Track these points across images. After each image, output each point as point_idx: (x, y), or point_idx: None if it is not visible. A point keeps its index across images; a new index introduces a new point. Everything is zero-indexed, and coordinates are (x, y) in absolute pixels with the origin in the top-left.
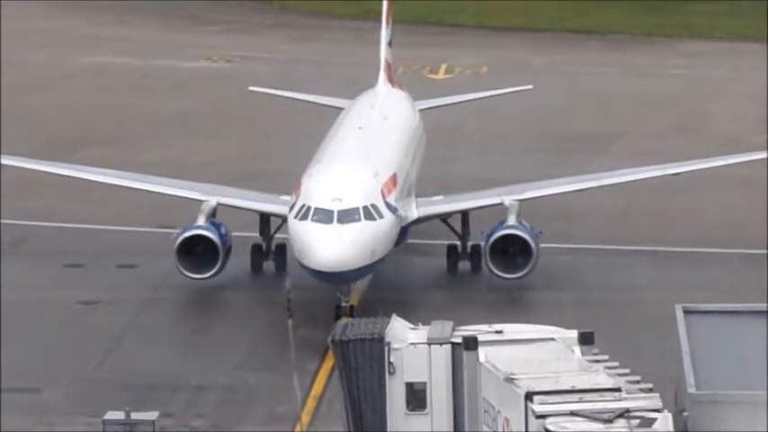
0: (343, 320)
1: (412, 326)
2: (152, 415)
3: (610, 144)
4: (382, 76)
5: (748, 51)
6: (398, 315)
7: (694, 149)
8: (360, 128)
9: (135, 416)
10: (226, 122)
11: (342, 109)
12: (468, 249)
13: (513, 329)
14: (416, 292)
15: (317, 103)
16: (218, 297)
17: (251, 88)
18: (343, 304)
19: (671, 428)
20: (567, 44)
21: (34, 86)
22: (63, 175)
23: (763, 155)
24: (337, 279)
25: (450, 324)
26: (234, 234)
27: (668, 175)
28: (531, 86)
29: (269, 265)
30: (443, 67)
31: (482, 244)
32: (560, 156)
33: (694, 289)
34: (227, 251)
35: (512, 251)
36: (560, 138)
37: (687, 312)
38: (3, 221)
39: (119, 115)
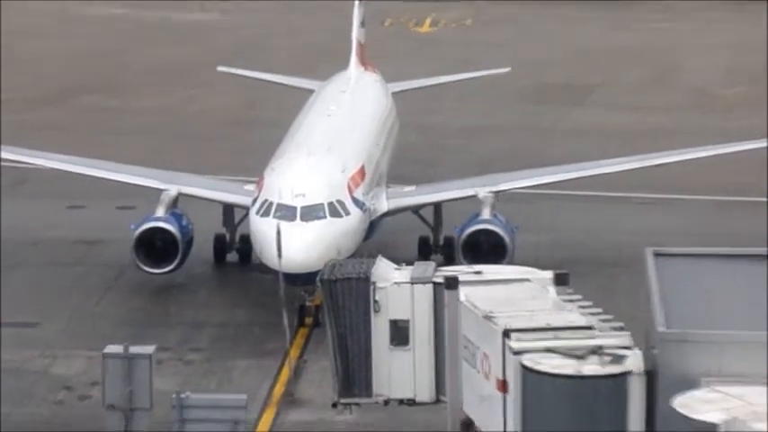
0: (331, 261)
1: (396, 266)
2: (149, 349)
3: (585, 95)
4: (354, 58)
5: (725, 7)
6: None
7: (665, 101)
8: (328, 115)
9: (133, 350)
10: (220, 72)
11: (312, 91)
12: (441, 242)
13: (491, 270)
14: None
15: (287, 85)
16: (212, 238)
17: (219, 68)
18: (308, 304)
19: (641, 365)
20: None
21: (31, 34)
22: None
23: (762, 143)
24: (300, 280)
25: (432, 265)
26: None
27: (654, 165)
28: (509, 69)
29: (232, 257)
30: (428, 20)
31: (455, 238)
32: (537, 106)
33: (668, 233)
34: (189, 243)
35: (486, 247)
36: (538, 89)
37: (657, 255)
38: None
39: (114, 64)
